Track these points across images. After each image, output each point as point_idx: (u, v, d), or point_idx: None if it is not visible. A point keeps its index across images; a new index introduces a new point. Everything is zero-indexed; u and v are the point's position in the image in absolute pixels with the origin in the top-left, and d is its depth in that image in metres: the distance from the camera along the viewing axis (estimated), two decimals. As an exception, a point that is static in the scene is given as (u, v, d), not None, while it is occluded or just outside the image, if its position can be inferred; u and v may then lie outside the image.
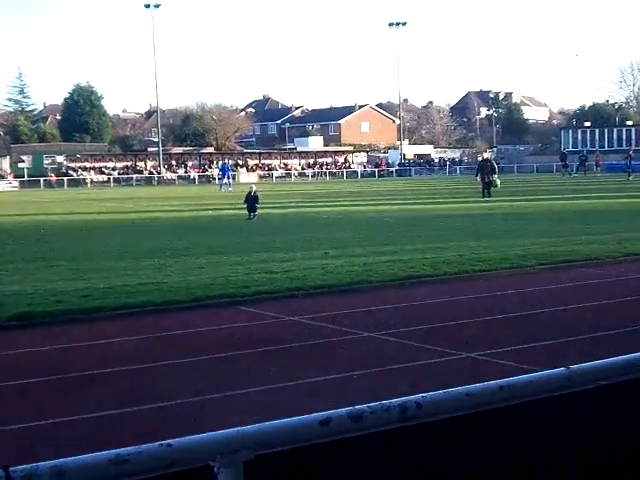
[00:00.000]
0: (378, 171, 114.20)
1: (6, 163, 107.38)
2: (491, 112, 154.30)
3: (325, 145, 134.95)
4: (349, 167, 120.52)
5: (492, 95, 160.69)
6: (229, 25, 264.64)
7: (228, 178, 77.12)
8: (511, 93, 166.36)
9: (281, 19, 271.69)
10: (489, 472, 3.06)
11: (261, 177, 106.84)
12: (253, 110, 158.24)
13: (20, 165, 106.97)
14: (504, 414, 3.04)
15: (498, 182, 45.60)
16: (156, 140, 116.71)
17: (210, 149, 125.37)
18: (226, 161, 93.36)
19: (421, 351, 10.84)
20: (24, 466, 2.13)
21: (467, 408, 2.83)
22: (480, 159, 54.72)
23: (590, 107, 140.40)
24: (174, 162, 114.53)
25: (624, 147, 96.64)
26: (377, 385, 9.10)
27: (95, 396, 9.11)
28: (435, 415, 2.77)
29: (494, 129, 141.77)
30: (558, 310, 13.57)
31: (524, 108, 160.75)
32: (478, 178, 46.22)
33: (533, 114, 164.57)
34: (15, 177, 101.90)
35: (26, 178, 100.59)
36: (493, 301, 14.68)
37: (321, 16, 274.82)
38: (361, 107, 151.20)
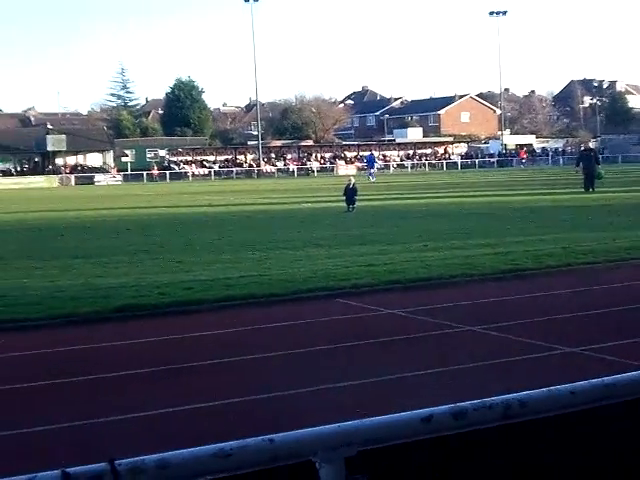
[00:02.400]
0: (497, 162, 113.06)
1: (110, 157, 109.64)
2: (595, 101, 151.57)
3: (424, 136, 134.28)
4: (449, 158, 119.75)
5: (596, 84, 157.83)
6: (328, 17, 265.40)
7: (373, 168, 78.47)
8: (615, 81, 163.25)
9: (380, 10, 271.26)
10: (593, 471, 3.01)
11: (359, 169, 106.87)
12: (352, 102, 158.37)
13: (123, 159, 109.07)
14: (608, 413, 2.98)
15: (602, 172, 44.20)
16: (255, 133, 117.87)
17: (309, 142, 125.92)
18: (372, 152, 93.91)
19: (523, 345, 10.71)
20: (130, 459, 2.17)
21: (571, 406, 2.78)
22: (582, 148, 52.64)
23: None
24: (273, 155, 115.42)
25: None
26: (479, 380, 9.02)
27: (197, 387, 9.23)
28: (539, 413, 2.73)
29: (598, 118, 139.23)
30: (664, 304, 13.25)
31: (629, 97, 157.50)
32: (579, 168, 44.12)
33: (638, 103, 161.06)
34: (119, 171, 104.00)
35: (129, 172, 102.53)
36: (597, 295, 14.43)
37: (421, 6, 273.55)
38: (461, 97, 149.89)
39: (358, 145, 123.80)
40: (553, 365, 9.67)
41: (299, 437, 2.38)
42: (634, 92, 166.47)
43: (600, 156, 48.23)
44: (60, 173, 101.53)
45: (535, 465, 2.88)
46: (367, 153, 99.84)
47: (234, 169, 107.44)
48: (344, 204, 34.40)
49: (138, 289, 15.05)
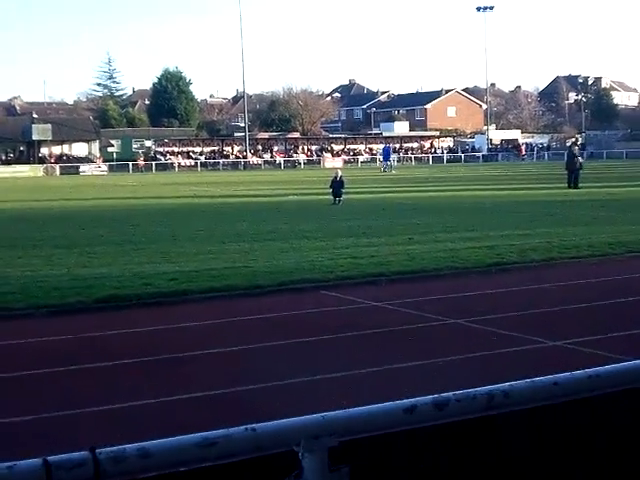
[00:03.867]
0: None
1: (95, 147, 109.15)
2: (580, 97, 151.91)
3: (411, 130, 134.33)
4: (435, 152, 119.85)
5: (581, 80, 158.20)
6: (316, 10, 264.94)
7: (388, 160, 79.17)
8: (600, 78, 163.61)
9: (368, 3, 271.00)
10: (574, 462, 3.02)
11: (346, 162, 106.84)
12: (339, 95, 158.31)
13: (109, 149, 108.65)
14: (591, 404, 2.99)
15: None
16: (242, 125, 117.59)
17: (296, 134, 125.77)
18: (388, 144, 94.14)
19: (506, 338, 10.74)
20: (111, 448, 2.16)
21: (555, 398, 2.78)
22: (571, 143, 50.95)
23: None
24: (260, 147, 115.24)
25: None
26: (462, 372, 9.04)
27: (181, 378, 9.22)
28: (522, 404, 2.73)
29: (583, 114, 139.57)
30: (648, 299, 13.30)
31: (613, 93, 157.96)
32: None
33: (623, 99, 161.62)
34: (104, 161, 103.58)
35: (115, 162, 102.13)
36: (580, 289, 14.49)
37: (408, 0, 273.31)
38: (448, 92, 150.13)
39: (345, 138, 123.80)
40: (537, 358, 9.69)
41: (282, 427, 2.37)
42: (619, 88, 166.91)
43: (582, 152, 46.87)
44: (45, 163, 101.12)
45: (517, 456, 2.89)
46: (383, 145, 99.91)
47: (220, 161, 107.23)
48: (331, 197, 34.39)
49: (122, 280, 15.00)
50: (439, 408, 2.53)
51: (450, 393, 2.57)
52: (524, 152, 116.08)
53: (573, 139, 57.45)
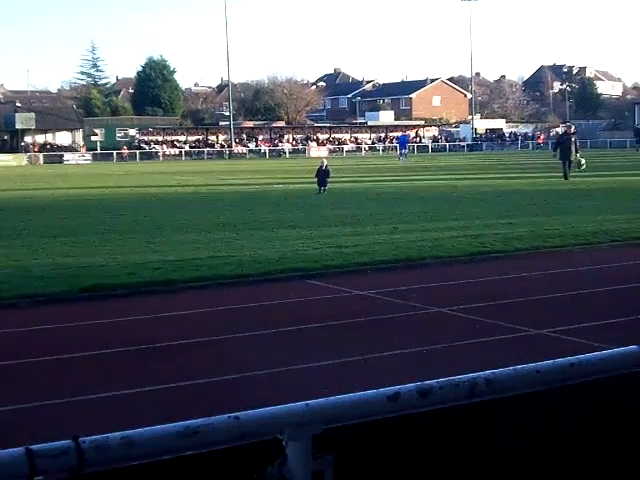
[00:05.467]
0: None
1: (79, 136, 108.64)
2: (564, 87, 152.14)
3: (396, 119, 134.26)
4: (420, 141, 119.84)
5: (565, 69, 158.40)
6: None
7: (405, 149, 79.54)
8: (584, 67, 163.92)
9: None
10: (556, 449, 3.03)
11: (331, 151, 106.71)
12: (324, 84, 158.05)
13: (93, 138, 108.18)
14: (573, 391, 3.00)
15: (583, 162, 40.35)
16: (227, 114, 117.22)
17: (281, 123, 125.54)
18: (406, 133, 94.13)
19: (490, 327, 10.76)
20: (94, 437, 2.15)
21: (537, 385, 2.79)
22: (562, 132, 47.96)
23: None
24: (245, 136, 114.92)
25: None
26: (446, 361, 9.06)
27: (166, 368, 9.21)
28: (504, 392, 2.74)
29: (567, 104, 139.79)
30: (629, 287, 13.36)
31: (598, 83, 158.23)
32: (556, 153, 40.49)
33: (607, 89, 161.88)
34: (88, 150, 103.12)
35: (99, 151, 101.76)
36: (564, 278, 14.52)
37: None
38: (433, 81, 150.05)
39: (330, 127, 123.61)
40: (519, 346, 9.73)
41: (265, 415, 2.37)
42: (603, 78, 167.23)
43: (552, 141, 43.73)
44: (29, 152, 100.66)
45: (500, 443, 2.90)
46: (399, 134, 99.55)
47: (205, 150, 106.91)
48: (316, 186, 34.40)
49: (107, 269, 14.97)
50: (423, 395, 2.53)
51: (433, 381, 2.58)
52: (541, 141, 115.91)
53: (560, 128, 56.53)
